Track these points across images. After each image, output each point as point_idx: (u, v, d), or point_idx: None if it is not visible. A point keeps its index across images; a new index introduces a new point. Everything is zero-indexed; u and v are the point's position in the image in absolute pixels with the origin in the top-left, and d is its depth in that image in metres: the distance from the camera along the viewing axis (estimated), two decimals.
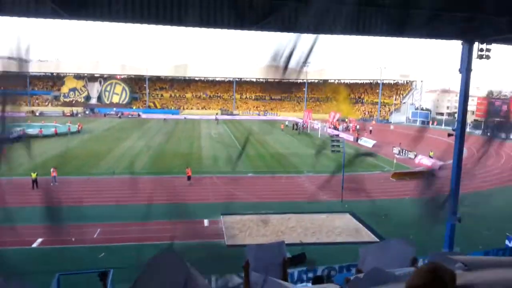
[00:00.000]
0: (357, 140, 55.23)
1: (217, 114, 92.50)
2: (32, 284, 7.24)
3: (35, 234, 19.74)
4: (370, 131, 64.73)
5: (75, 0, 13.67)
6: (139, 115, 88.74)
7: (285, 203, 26.31)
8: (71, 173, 32.35)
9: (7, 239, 19.11)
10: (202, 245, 19.28)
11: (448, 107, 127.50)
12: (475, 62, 17.25)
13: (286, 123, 75.90)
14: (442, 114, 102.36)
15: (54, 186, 28.56)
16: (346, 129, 68.58)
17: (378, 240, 20.37)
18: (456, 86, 18.85)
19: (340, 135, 51.26)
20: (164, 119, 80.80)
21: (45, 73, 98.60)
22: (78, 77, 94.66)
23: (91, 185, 29.53)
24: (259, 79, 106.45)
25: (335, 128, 67.67)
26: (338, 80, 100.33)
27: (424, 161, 40.71)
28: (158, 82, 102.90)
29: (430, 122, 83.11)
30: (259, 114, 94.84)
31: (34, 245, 18.81)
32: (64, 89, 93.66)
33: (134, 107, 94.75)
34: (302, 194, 28.52)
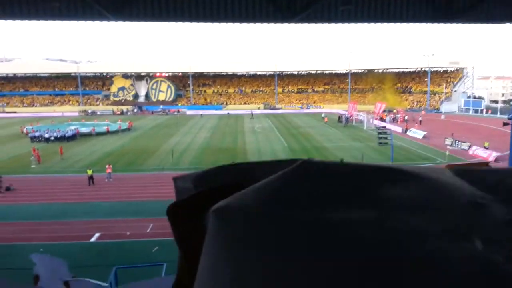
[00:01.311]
0: (405, 132, 53.37)
1: (258, 108, 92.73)
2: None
3: (93, 229, 20.69)
4: (420, 121, 62.39)
5: (120, 2, 14.08)
6: (178, 111, 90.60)
7: None
8: (124, 169, 33.62)
9: (66, 234, 20.20)
10: None
11: (503, 94, 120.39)
12: None
13: (323, 115, 74.74)
14: (496, 102, 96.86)
15: (109, 182, 29.80)
16: (394, 120, 66.47)
17: None
18: (511, 72, 17.58)
19: (387, 127, 49.86)
20: (201, 114, 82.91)
21: (95, 73, 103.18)
22: (126, 76, 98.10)
23: (142, 180, 30.54)
24: (300, 71, 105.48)
25: (382, 119, 65.82)
26: (384, 69, 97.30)
27: (479, 152, 38.68)
28: (201, 78, 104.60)
29: (484, 111, 78.84)
30: (302, 107, 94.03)
31: (92, 239, 19.70)
32: (113, 88, 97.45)
33: (179, 104, 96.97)
34: None
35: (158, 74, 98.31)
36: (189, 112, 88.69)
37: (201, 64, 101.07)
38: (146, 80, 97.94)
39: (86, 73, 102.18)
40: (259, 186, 1.23)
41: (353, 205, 1.17)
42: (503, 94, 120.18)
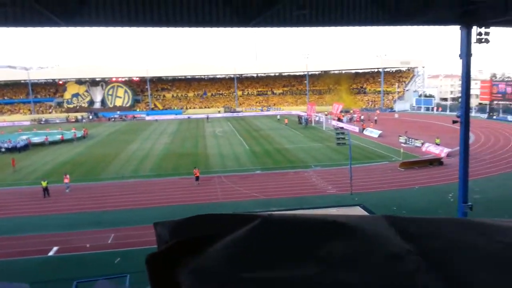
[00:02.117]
0: (362, 131, 55.12)
1: (219, 111, 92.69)
2: None
3: (50, 243, 19.92)
4: (375, 120, 64.58)
5: (70, 8, 13.73)
6: (133, 117, 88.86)
7: (294, 198, 26.36)
8: (81, 179, 32.54)
9: (22, 249, 19.33)
10: None
11: (451, 92, 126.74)
12: (475, 47, 17.12)
13: (278, 117, 76.69)
14: (446, 99, 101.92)
15: (66, 193, 28.74)
16: (351, 120, 68.45)
17: None
18: (459, 70, 18.71)
19: (345, 127, 51.25)
20: (156, 119, 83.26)
21: (47, 79, 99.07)
22: (80, 82, 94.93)
23: (102, 190, 29.70)
24: (259, 73, 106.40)
25: (340, 119, 67.56)
26: (340, 70, 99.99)
27: (432, 148, 40.61)
28: (159, 83, 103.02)
29: (435, 108, 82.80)
30: (262, 110, 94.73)
31: (50, 253, 18.97)
32: (67, 95, 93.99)
33: (137, 110, 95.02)
34: (311, 189, 28.58)
35: (114, 79, 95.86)
36: (148, 118, 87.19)
37: (159, 68, 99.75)
38: (102, 86, 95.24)
39: (37, 80, 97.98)
40: (226, 245, 1.54)
41: (300, 263, 1.46)
42: (451, 92, 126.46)
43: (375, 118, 66.96)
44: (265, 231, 1.59)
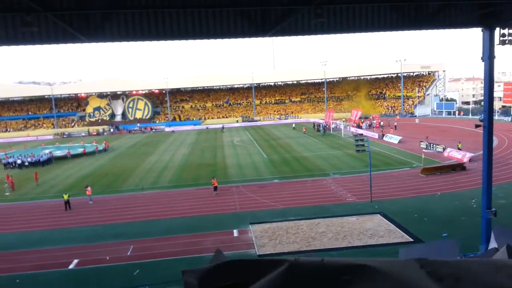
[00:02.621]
0: (382, 137, 54.32)
1: (237, 121, 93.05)
2: None
3: (71, 256, 20.21)
4: (395, 126, 63.62)
5: (93, 25, 14.05)
6: (151, 129, 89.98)
7: (313, 207, 26.08)
8: (102, 191, 33.04)
9: (43, 262, 19.66)
10: (233, 256, 19.30)
11: (473, 95, 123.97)
12: (498, 48, 16.64)
13: (293, 125, 76.75)
14: (468, 103, 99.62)
15: (88, 206, 29.21)
16: (370, 127, 67.62)
17: (412, 240, 19.91)
18: (481, 73, 18.21)
19: (364, 134, 50.63)
20: (172, 130, 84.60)
21: (69, 94, 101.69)
22: (101, 96, 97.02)
23: (122, 202, 30.06)
24: (277, 82, 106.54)
25: (359, 126, 66.84)
26: (358, 76, 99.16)
27: (454, 153, 39.65)
28: (178, 94, 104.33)
29: (457, 113, 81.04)
30: (280, 118, 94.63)
31: (71, 266, 19.23)
32: (89, 109, 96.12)
33: (157, 121, 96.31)
34: (330, 197, 28.23)
35: (134, 92, 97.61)
36: (167, 129, 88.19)
37: (177, 80, 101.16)
38: (123, 99, 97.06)
39: (60, 94, 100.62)
40: None
41: None
42: (473, 95, 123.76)
43: (395, 123, 65.96)
44: (291, 278, 1.59)
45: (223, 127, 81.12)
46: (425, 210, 24.33)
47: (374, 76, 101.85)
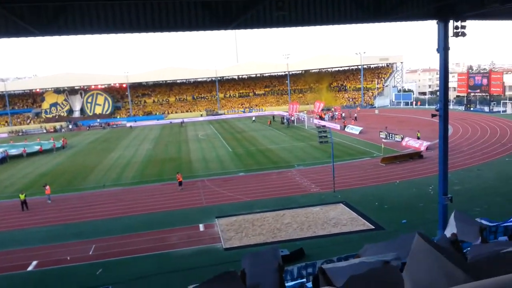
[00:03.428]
0: (344, 128, 55.51)
1: (201, 115, 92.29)
2: None
3: (29, 257, 19.41)
4: (355, 117, 65.11)
5: (46, 18, 13.41)
6: (108, 124, 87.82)
7: (279, 199, 26.33)
8: (61, 190, 31.87)
9: (0, 265, 18.78)
10: (199, 251, 19.21)
11: (430, 86, 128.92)
12: (452, 40, 17.32)
13: (253, 118, 77.22)
14: (424, 93, 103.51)
15: (46, 205, 28.09)
16: (332, 118, 68.89)
17: (373, 227, 20.54)
18: (436, 64, 18.91)
19: (326, 125, 51.50)
20: (130, 126, 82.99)
21: (24, 90, 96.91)
22: (58, 91, 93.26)
23: (82, 200, 29.12)
24: (241, 75, 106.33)
25: (321, 118, 67.93)
26: (320, 69, 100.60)
27: (411, 142, 41.11)
28: (140, 88, 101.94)
29: (414, 103, 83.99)
30: (244, 111, 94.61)
31: (30, 268, 18.47)
32: (45, 105, 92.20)
33: (118, 117, 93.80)
34: (295, 188, 28.59)
35: (93, 87, 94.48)
36: (129, 124, 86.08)
37: (139, 74, 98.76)
38: (81, 94, 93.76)
39: (14, 91, 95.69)
40: None
41: None
42: (430, 86, 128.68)
43: (355, 114, 67.53)
44: None
45: (182, 122, 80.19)
46: (385, 198, 25.13)
47: (336, 69, 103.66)
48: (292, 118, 68.83)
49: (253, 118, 77.46)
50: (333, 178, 27.35)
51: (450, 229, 7.66)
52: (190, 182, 31.64)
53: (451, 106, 66.49)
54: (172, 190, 29.86)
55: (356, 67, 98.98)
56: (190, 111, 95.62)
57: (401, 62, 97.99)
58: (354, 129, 53.44)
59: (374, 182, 28.89)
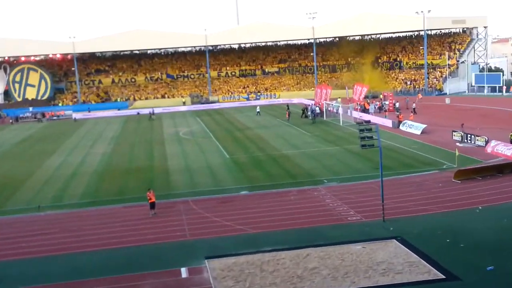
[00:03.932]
0: (398, 126, 55.31)
1: (184, 103, 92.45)
2: None
3: None
4: (414, 109, 64.82)
5: None
6: (52, 115, 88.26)
7: (300, 230, 26.25)
8: None
9: None
10: None
11: None
12: None
13: (257, 109, 77.73)
14: None
15: None
16: (380, 110, 68.70)
17: (443, 276, 20.35)
18: None
19: (372, 120, 51.36)
20: (74, 118, 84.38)
21: None
22: None
23: (8, 228, 29.25)
24: (243, 44, 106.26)
25: (364, 109, 67.76)
26: (362, 35, 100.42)
27: (501, 148, 40.78)
28: (93, 62, 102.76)
29: (504, 88, 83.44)
30: (248, 98, 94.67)
31: None
32: None
33: (60, 104, 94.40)
34: (324, 216, 28.48)
35: (24, 59, 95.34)
36: (76, 116, 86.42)
37: (91, 40, 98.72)
38: (5, 69, 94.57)
39: None
40: None
41: None
42: None
43: (415, 105, 67.25)
44: None
45: (152, 113, 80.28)
46: (461, 232, 24.93)
47: (386, 35, 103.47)
48: (319, 110, 68.70)
49: (257, 109, 77.74)
50: (382, 201, 27.21)
51: None
52: (168, 203, 31.72)
53: None
54: (140, 216, 29.90)
55: (417, 33, 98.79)
56: (168, 97, 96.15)
57: (485, 27, 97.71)
58: (413, 127, 53.24)
59: (444, 208, 28.71)
